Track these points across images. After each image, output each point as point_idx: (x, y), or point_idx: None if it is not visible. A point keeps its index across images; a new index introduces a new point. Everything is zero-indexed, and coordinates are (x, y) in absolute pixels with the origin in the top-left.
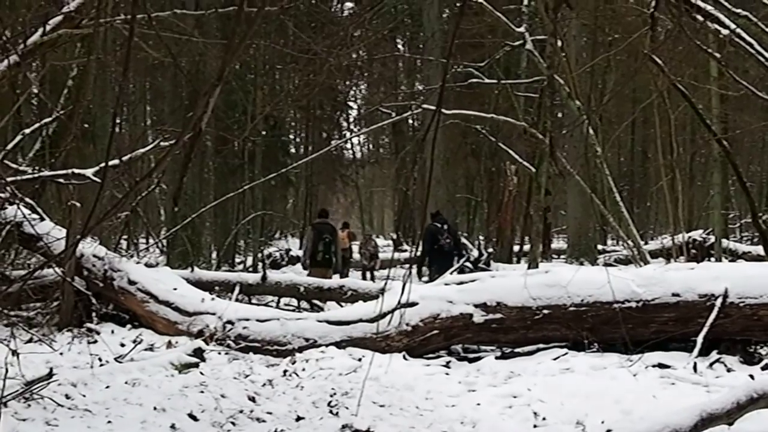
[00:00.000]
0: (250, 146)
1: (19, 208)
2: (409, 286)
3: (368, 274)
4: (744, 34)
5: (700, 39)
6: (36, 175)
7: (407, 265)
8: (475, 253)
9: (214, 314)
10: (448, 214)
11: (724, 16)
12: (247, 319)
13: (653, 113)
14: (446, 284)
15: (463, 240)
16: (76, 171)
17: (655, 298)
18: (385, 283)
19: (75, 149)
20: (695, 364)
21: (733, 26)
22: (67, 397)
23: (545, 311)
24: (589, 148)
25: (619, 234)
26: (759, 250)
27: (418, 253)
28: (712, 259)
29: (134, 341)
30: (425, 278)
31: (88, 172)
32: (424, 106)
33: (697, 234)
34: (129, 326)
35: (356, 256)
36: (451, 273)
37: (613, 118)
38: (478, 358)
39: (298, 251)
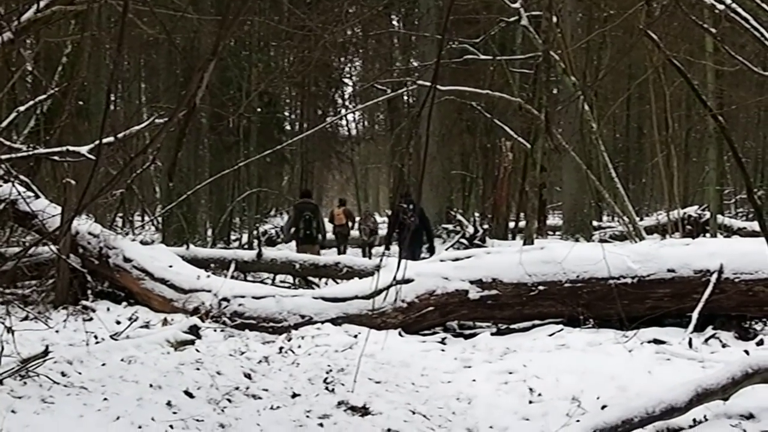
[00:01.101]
0: (245, 123)
1: (14, 185)
2: (404, 263)
3: (368, 250)
4: (739, 9)
5: (695, 14)
6: (31, 153)
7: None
8: (470, 229)
9: (209, 291)
10: (444, 191)
11: None
12: (243, 296)
13: (648, 89)
14: (442, 261)
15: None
16: (71, 148)
17: (650, 274)
18: (381, 260)
19: (69, 126)
20: (690, 339)
21: (728, 1)
22: (63, 374)
23: (541, 287)
24: (585, 124)
25: (615, 210)
26: (754, 225)
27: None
28: (708, 235)
29: (130, 319)
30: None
31: (83, 149)
32: (419, 82)
33: (692, 210)
34: (124, 304)
35: (354, 233)
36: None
37: (608, 94)
38: (474, 335)
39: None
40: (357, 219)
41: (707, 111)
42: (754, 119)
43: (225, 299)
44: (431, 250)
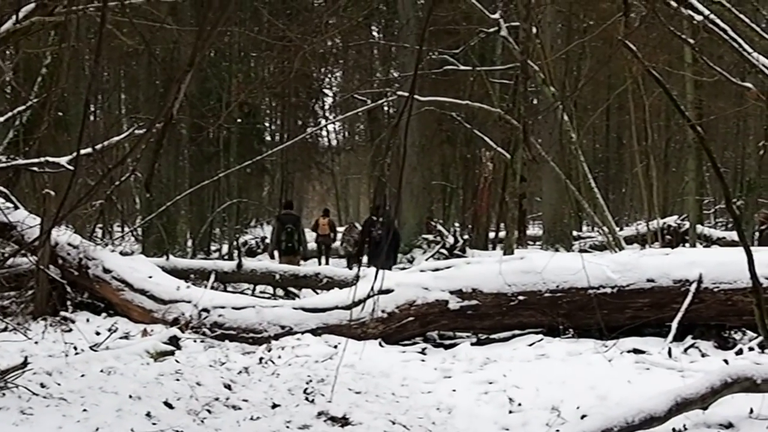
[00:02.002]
0: (225, 134)
1: None
2: (383, 273)
3: (353, 261)
4: (718, 20)
5: (674, 25)
6: (10, 164)
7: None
8: (450, 239)
9: (189, 302)
10: (424, 201)
11: (698, 2)
12: (223, 307)
13: (628, 99)
14: (422, 271)
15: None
16: (50, 159)
17: (630, 284)
18: (360, 270)
19: (49, 137)
20: (670, 349)
21: (706, 12)
22: (42, 385)
23: (521, 297)
24: (564, 135)
25: (594, 220)
26: (733, 235)
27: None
28: (687, 244)
29: (109, 329)
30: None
31: (62, 160)
32: (399, 93)
33: (671, 220)
34: (104, 314)
35: (336, 244)
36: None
37: (588, 105)
38: (454, 345)
39: None
40: (339, 230)
41: (686, 121)
42: (732, 129)
43: (205, 310)
44: (393, 260)
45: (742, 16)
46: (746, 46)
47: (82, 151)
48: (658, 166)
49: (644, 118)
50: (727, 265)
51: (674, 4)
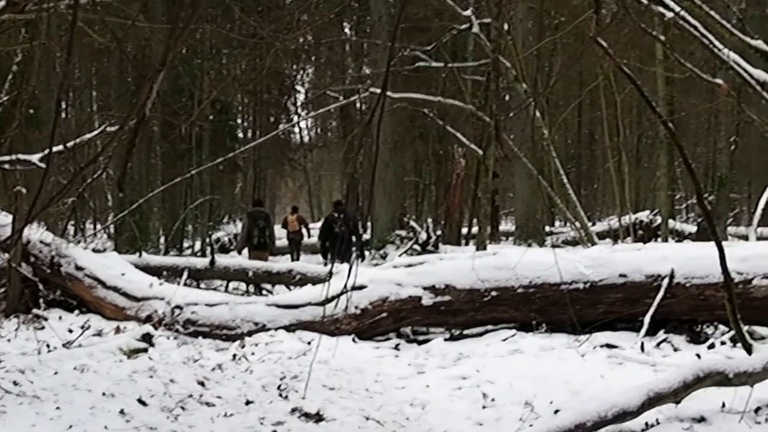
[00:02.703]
0: (198, 131)
1: None
2: (356, 269)
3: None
4: (688, 17)
5: (645, 22)
6: None
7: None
8: (423, 235)
9: (162, 299)
10: (397, 198)
11: None
12: (196, 304)
13: (600, 96)
14: (395, 267)
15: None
16: (22, 157)
17: (602, 279)
18: (333, 266)
19: (20, 135)
20: (642, 344)
21: (677, 9)
22: (15, 383)
23: (494, 293)
24: (536, 131)
25: (567, 216)
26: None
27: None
28: (659, 239)
29: (82, 327)
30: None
31: (34, 157)
32: (371, 89)
33: (643, 215)
34: (77, 312)
35: (312, 239)
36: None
37: (559, 101)
38: (428, 341)
39: None
40: (313, 226)
41: (657, 117)
42: (704, 125)
43: (178, 307)
44: (362, 257)
45: (712, 12)
46: (717, 43)
47: (54, 149)
48: (630, 161)
49: (616, 115)
50: (698, 259)
51: (645, 2)
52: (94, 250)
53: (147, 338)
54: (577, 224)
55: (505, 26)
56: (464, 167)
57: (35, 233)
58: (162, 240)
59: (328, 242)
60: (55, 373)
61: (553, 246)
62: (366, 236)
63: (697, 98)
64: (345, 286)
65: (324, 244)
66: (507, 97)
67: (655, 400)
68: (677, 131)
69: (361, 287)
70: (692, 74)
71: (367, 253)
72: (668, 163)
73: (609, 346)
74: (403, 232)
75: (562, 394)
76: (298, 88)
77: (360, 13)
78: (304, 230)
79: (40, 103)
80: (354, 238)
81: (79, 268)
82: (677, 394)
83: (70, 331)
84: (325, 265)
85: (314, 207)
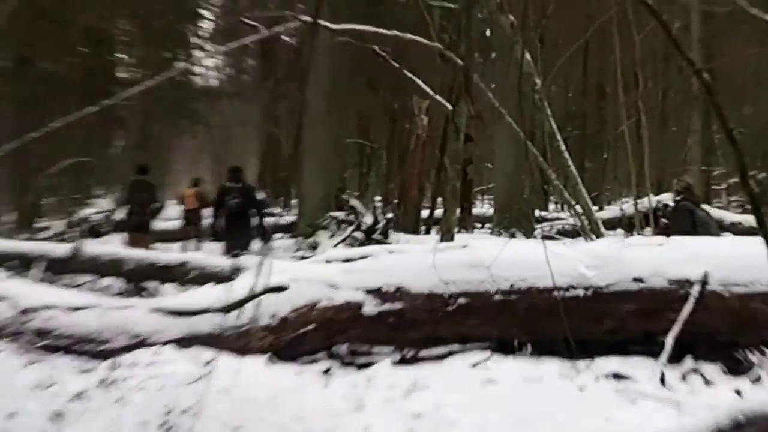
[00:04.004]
0: (64, 69)
1: None
2: (271, 264)
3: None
4: None
5: None
6: None
7: (279, 235)
8: (368, 219)
9: (5, 300)
10: (333, 166)
11: None
12: (53, 308)
13: (612, 34)
14: (328, 261)
15: (353, 202)
16: None
17: (610, 284)
18: (240, 259)
19: None
20: (663, 374)
21: None
22: None
23: (462, 300)
24: (526, 80)
25: (564, 196)
26: (751, 220)
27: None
28: None
29: None
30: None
31: None
32: (302, 17)
33: (668, 197)
34: None
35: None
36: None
37: (558, 40)
38: (370, 364)
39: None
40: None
41: (689, 65)
42: (753, 78)
43: (27, 311)
44: (264, 238)
45: None
46: None
47: None
48: (652, 124)
49: (634, 60)
50: (741, 260)
51: None
52: None
53: None
54: (578, 208)
55: None
56: (427, 127)
57: None
58: (9, 218)
59: (225, 223)
60: None
61: (545, 237)
62: (289, 218)
63: (746, 41)
64: (257, 286)
65: (215, 222)
66: (488, 32)
67: None
68: (716, 85)
69: (281, 288)
70: (739, 5)
71: (289, 241)
72: (703, 127)
73: (617, 376)
74: (340, 214)
75: None
76: (203, 12)
77: None
78: (205, 210)
79: None
80: (254, 216)
81: None
82: None
83: None
84: (229, 255)
85: (222, 177)
